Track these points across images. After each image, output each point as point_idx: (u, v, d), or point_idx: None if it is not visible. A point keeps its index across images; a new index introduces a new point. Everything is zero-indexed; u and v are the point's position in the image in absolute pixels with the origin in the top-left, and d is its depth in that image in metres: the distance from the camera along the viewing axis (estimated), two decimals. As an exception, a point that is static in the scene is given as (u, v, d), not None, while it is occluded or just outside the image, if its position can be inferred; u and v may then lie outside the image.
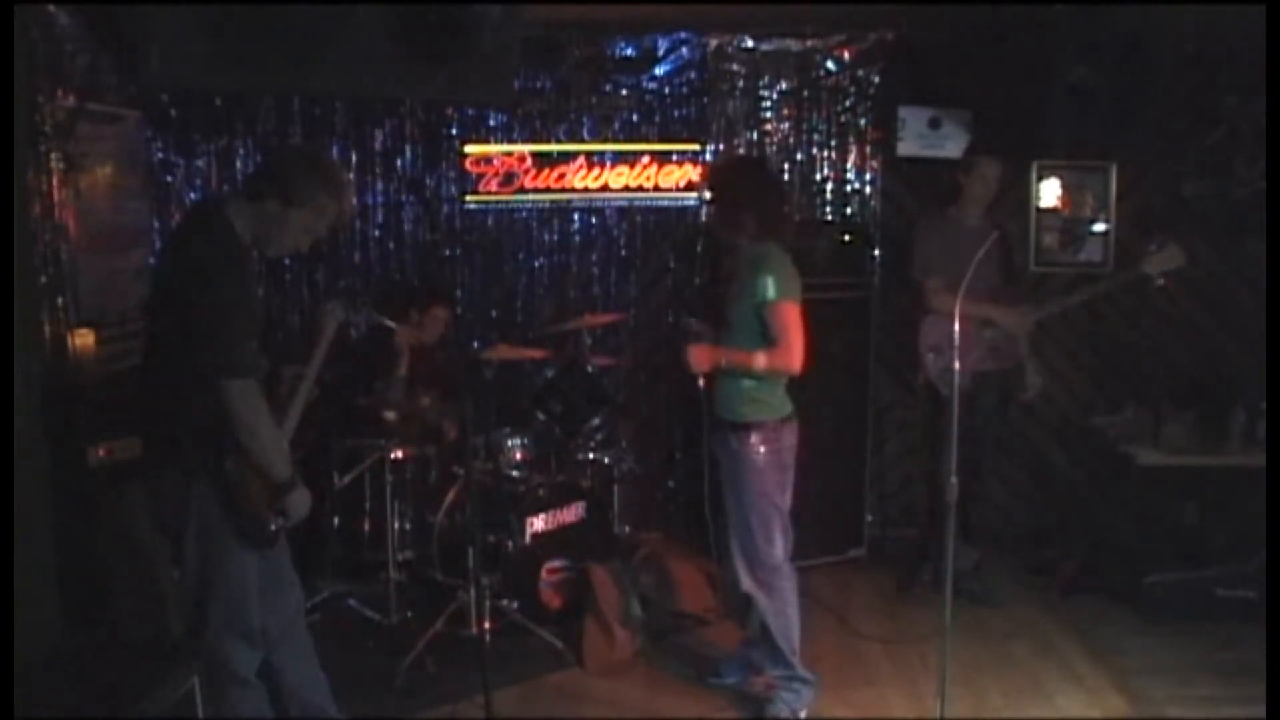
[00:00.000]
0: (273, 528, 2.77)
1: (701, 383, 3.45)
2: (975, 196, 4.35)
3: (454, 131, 5.07)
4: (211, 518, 2.67)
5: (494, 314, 5.23)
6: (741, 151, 5.16)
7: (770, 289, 3.25)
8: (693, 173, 5.16)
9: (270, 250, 2.81)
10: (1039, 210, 5.14)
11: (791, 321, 3.25)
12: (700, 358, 3.38)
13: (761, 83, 5.16)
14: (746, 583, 3.41)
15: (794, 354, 3.25)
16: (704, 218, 3.36)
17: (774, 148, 5.21)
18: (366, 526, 4.39)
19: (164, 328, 2.69)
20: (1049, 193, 5.13)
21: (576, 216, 5.23)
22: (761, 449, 3.31)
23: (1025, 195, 5.13)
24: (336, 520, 4.39)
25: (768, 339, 3.28)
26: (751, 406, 3.33)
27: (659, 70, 5.10)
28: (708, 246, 5.04)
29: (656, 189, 5.16)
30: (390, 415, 4.36)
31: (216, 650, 2.75)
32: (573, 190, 5.14)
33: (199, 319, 2.57)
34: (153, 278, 2.78)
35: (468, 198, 5.09)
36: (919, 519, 4.93)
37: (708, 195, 3.56)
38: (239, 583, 2.74)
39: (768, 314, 3.27)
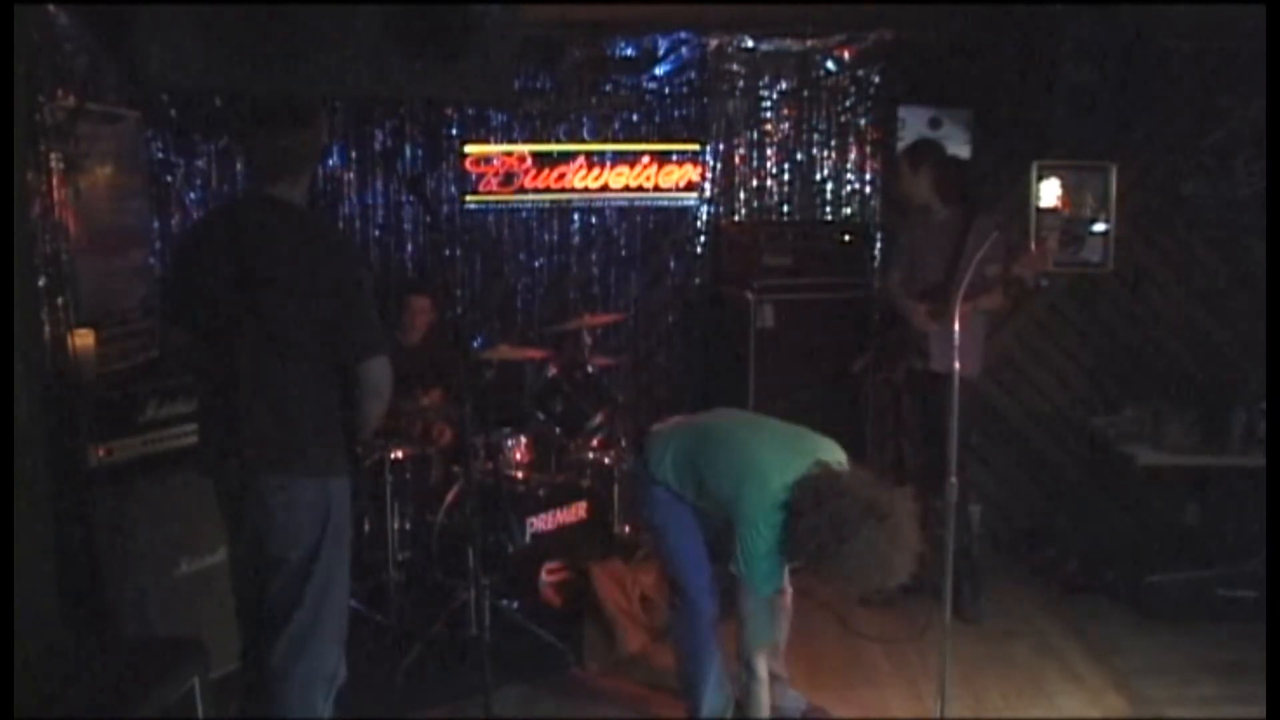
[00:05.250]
0: None
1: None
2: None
3: (454, 131, 5.06)
4: (345, 514, 2.88)
5: (494, 314, 5.23)
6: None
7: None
8: (693, 172, 5.17)
9: None
10: (1039, 210, 5.14)
11: None
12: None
13: (761, 83, 5.16)
14: None
15: None
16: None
17: (774, 148, 5.21)
18: (366, 526, 4.39)
19: (287, 330, 2.65)
20: (1049, 193, 5.13)
21: (576, 216, 5.23)
22: None
23: (1025, 195, 5.13)
24: (336, 520, 4.38)
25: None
26: None
27: (659, 70, 5.10)
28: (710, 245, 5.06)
29: (656, 189, 5.16)
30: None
31: (328, 656, 2.96)
32: (573, 190, 5.13)
33: (344, 306, 2.63)
34: (243, 281, 2.65)
35: (468, 198, 5.09)
36: None
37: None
38: None
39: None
